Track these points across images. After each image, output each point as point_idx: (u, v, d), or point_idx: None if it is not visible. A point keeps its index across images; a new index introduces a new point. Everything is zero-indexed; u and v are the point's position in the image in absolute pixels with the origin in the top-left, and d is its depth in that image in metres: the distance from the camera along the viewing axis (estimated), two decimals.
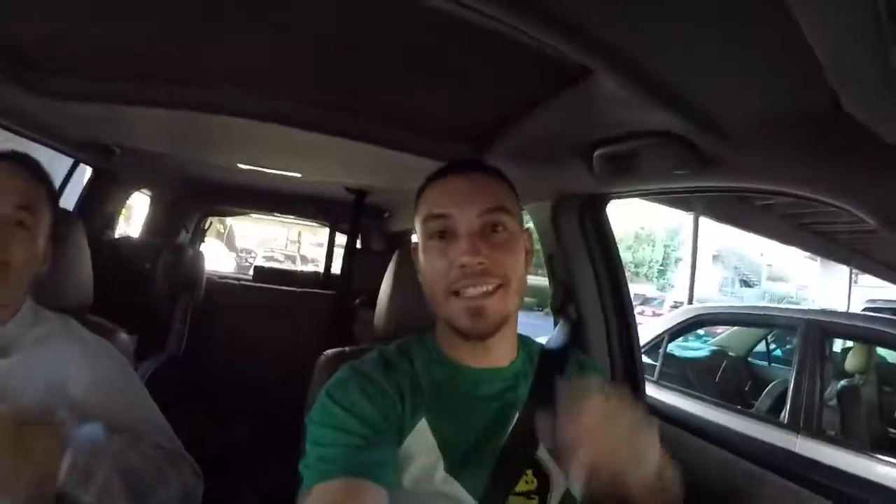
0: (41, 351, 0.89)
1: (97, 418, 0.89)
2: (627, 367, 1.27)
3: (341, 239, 2.77)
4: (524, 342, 0.86)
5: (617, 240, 1.33)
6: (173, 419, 0.99)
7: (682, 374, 3.34)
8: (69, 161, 1.75)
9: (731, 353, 3.70)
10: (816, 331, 2.58)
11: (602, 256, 1.29)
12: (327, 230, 2.99)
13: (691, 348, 3.86)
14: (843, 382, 2.70)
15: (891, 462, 2.00)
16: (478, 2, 0.56)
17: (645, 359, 3.26)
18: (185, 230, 2.65)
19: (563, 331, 1.19)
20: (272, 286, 2.66)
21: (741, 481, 0.87)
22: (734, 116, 0.73)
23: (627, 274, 1.32)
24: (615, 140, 0.92)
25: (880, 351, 2.98)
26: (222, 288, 2.58)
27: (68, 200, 1.70)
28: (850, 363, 2.88)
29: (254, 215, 3.51)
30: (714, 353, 3.78)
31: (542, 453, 0.76)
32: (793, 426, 2.39)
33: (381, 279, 1.02)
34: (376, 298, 1.02)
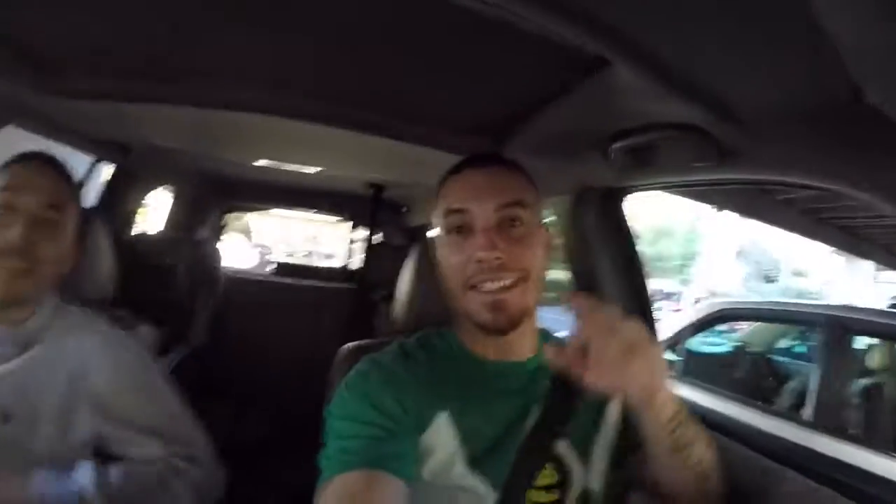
0: (63, 344, 0.92)
1: (117, 410, 0.92)
2: None
3: (362, 234, 2.79)
4: (545, 336, 0.86)
5: (636, 234, 1.32)
6: (195, 412, 1.01)
7: (703, 370, 3.30)
8: (88, 159, 1.78)
9: (753, 349, 3.64)
10: (839, 327, 2.53)
11: (621, 250, 1.28)
12: (347, 225, 3.01)
13: (713, 344, 3.81)
14: (866, 380, 2.65)
15: None
16: None
17: (669, 354, 3.23)
18: (204, 226, 2.68)
19: None
20: (292, 281, 2.69)
21: (761, 478, 0.86)
22: (754, 107, 0.72)
23: (648, 269, 1.31)
24: (633, 132, 0.91)
25: None
26: (243, 282, 2.62)
27: (89, 197, 1.73)
28: (874, 360, 2.82)
29: (272, 212, 3.54)
30: (736, 349, 3.72)
31: (563, 448, 0.76)
32: (815, 424, 2.35)
33: (401, 273, 1.02)
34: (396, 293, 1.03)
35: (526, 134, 1.09)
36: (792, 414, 2.64)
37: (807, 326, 3.31)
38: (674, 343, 3.24)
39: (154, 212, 2.68)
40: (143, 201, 2.20)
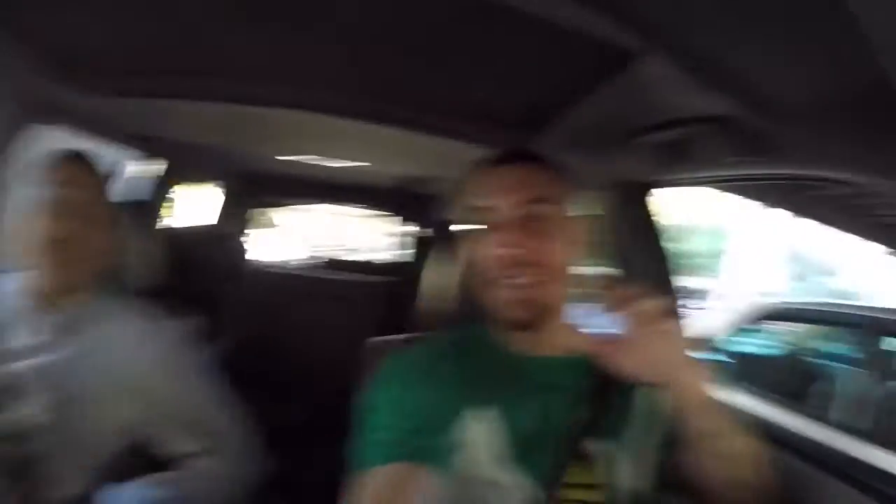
0: (105, 333, 0.95)
1: (155, 399, 0.95)
2: None
3: (394, 228, 2.81)
4: (579, 332, 0.85)
5: (666, 229, 1.30)
6: (235, 401, 1.03)
7: (746, 372, 3.18)
8: (123, 154, 1.83)
9: (797, 352, 3.50)
10: (889, 330, 2.42)
11: (651, 246, 1.27)
12: (375, 220, 3.02)
13: (762, 346, 3.66)
14: None
15: None
16: None
17: (706, 354, 3.10)
18: (238, 220, 2.72)
19: None
20: (332, 274, 2.71)
21: (803, 485, 0.84)
22: (788, 99, 0.70)
23: (677, 265, 1.29)
24: (666, 126, 0.90)
25: None
26: (278, 275, 2.65)
27: (127, 192, 1.78)
28: None
29: (297, 207, 3.56)
30: (780, 351, 3.58)
31: (598, 445, 0.75)
32: (862, 432, 2.25)
33: (430, 267, 1.02)
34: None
35: (557, 128, 1.08)
36: (838, 420, 2.51)
37: (856, 328, 3.15)
38: (709, 341, 3.12)
39: (181, 206, 2.73)
40: (171, 196, 2.25)
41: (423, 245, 2.54)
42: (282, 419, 1.84)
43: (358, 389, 0.84)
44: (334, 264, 3.03)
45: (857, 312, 2.63)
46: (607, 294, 0.66)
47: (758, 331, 3.75)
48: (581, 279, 0.81)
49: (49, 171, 0.93)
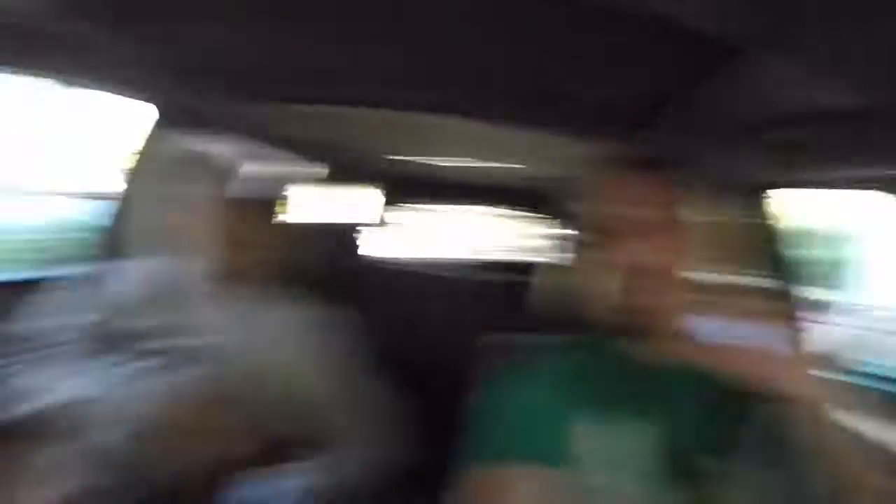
0: (264, 321, 1.04)
1: (303, 384, 1.02)
2: None
3: (529, 228, 2.85)
4: (700, 341, 0.80)
5: (788, 235, 1.23)
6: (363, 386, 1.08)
7: (878, 396, 2.79)
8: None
9: None
10: None
11: (772, 253, 1.20)
12: (518, 220, 3.05)
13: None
14: None
15: None
16: None
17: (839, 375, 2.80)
18: (373, 219, 2.86)
19: None
20: (461, 273, 2.78)
21: None
22: None
23: (800, 275, 1.22)
24: (784, 122, 0.84)
25: None
26: (417, 273, 2.77)
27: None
28: None
29: (425, 207, 3.65)
30: None
31: (716, 458, 0.71)
32: None
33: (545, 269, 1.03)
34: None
35: (670, 127, 1.05)
36: None
37: None
38: (836, 359, 2.79)
39: (334, 205, 2.89)
40: (326, 195, 2.41)
41: (549, 245, 2.53)
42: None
43: (473, 386, 0.85)
44: (471, 264, 3.06)
45: None
46: (728, 302, 0.64)
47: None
48: (701, 287, 0.79)
49: (223, 173, 1.09)
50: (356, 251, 2.40)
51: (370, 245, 2.61)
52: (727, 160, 1.08)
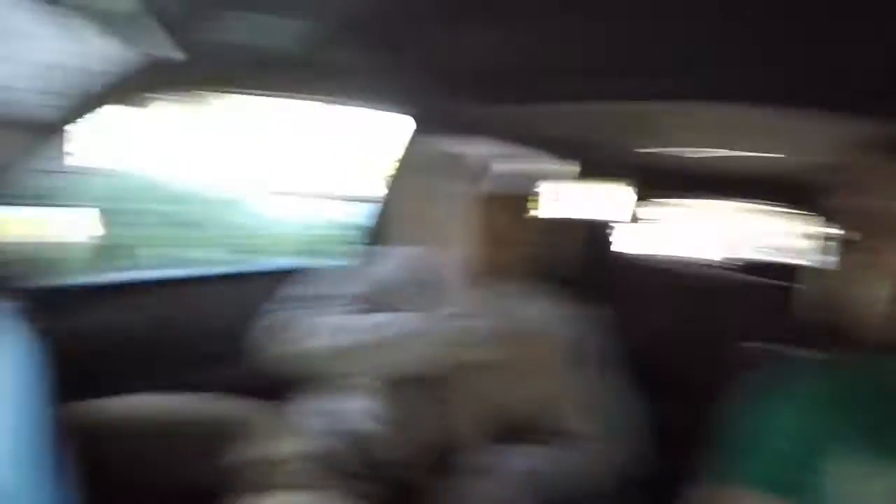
0: (518, 314, 1.07)
1: (553, 377, 1.03)
2: None
3: (795, 226, 2.54)
4: None
5: None
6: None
7: None
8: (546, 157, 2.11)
9: None
10: None
11: None
12: (775, 216, 2.74)
13: None
14: None
15: None
16: None
17: None
18: (628, 215, 2.81)
19: None
20: (721, 274, 2.60)
21: None
22: None
23: None
24: None
25: None
26: (660, 270, 2.67)
27: None
28: None
29: (683, 202, 3.44)
30: None
31: None
32: None
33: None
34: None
35: None
36: None
37: None
38: None
39: (588, 202, 2.92)
40: (594, 193, 2.46)
41: (812, 245, 2.18)
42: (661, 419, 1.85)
43: (724, 398, 0.79)
44: (730, 263, 2.86)
45: None
46: None
47: None
48: None
49: (480, 173, 1.12)
50: (609, 248, 2.35)
51: (623, 242, 2.50)
52: None
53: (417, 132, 1.55)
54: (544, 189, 1.18)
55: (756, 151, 1.75)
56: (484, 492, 0.90)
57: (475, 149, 1.20)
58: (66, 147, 1.04)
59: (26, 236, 1.17)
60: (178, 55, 0.96)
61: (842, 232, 0.70)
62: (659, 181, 2.61)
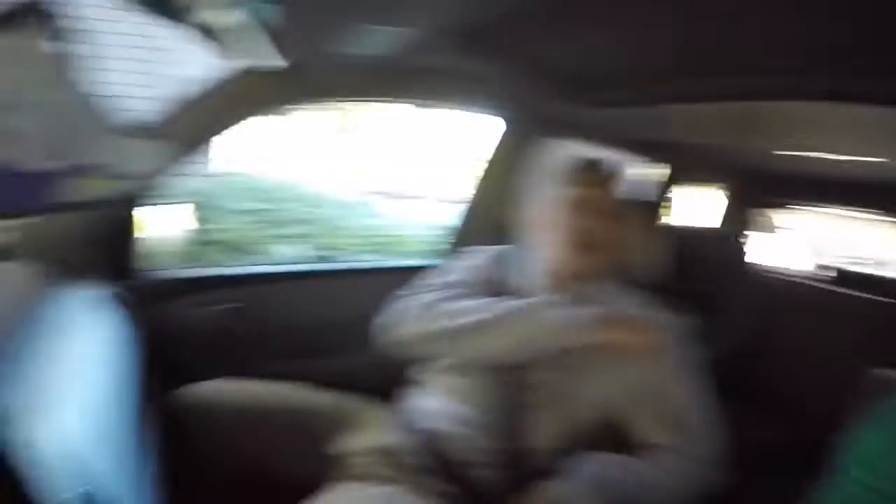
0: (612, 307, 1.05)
1: (636, 384, 1.00)
2: None
3: None
4: None
5: None
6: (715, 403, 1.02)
7: None
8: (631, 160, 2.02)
9: None
10: None
11: None
12: None
13: None
14: None
15: None
16: None
17: None
18: (747, 222, 2.65)
19: None
20: (849, 291, 2.37)
21: None
22: None
23: None
24: None
25: None
26: (788, 286, 2.49)
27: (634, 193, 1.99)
28: None
29: (814, 208, 3.14)
30: None
31: None
32: None
33: None
34: None
35: None
36: None
37: None
38: None
39: (683, 207, 2.78)
40: (690, 196, 2.35)
41: None
42: (751, 435, 1.71)
43: (847, 424, 0.71)
44: (843, 277, 2.59)
45: None
46: None
47: None
48: None
49: (570, 175, 1.12)
50: (733, 258, 2.20)
51: (748, 252, 2.34)
52: None
53: (508, 134, 1.55)
54: (632, 193, 1.14)
55: (873, 156, 1.56)
56: (555, 495, 0.88)
57: (565, 151, 1.18)
58: (205, 152, 1.14)
59: (163, 231, 1.29)
60: (286, 65, 1.02)
61: None
62: (767, 186, 2.40)
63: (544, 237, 1.11)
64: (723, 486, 0.98)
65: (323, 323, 1.42)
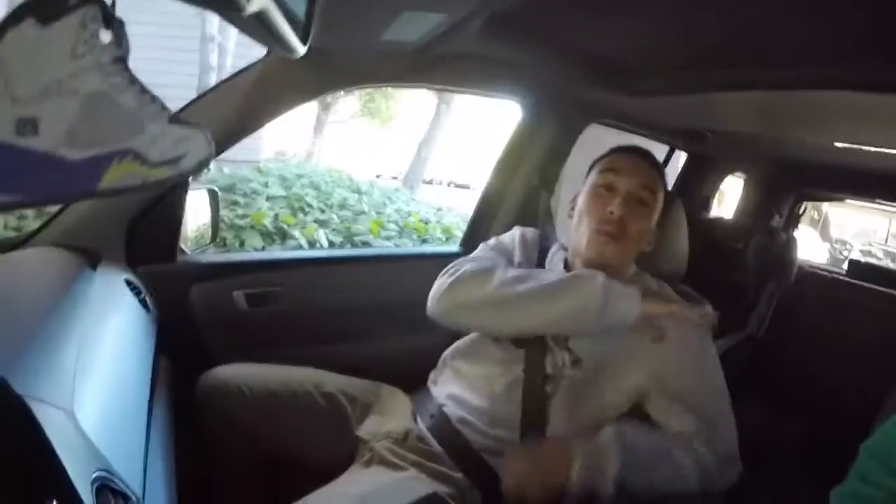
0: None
1: (668, 376, 0.99)
2: None
3: None
4: None
5: None
6: (733, 399, 1.02)
7: None
8: (664, 148, 2.01)
9: None
10: None
11: None
12: None
13: None
14: None
15: None
16: None
17: None
18: (778, 214, 2.57)
19: None
20: (870, 285, 2.30)
21: None
22: None
23: None
24: None
25: None
26: (813, 278, 2.43)
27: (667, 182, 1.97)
28: None
29: (851, 202, 3.03)
30: None
31: None
32: None
33: None
34: None
35: None
36: None
37: None
38: None
39: (726, 197, 2.73)
40: (718, 186, 2.30)
41: None
42: (773, 429, 1.67)
43: (875, 425, 0.72)
44: (875, 272, 2.50)
45: None
46: None
47: None
48: None
49: (604, 162, 1.11)
50: (768, 251, 2.14)
51: (784, 245, 2.30)
52: None
53: (540, 120, 1.55)
54: (665, 182, 1.13)
55: None
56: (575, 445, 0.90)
57: (589, 138, 1.16)
58: (241, 139, 1.16)
59: (200, 216, 1.32)
60: (318, 52, 1.03)
61: None
62: (805, 177, 2.32)
63: (576, 224, 1.11)
64: (742, 483, 0.97)
65: (352, 307, 1.44)
